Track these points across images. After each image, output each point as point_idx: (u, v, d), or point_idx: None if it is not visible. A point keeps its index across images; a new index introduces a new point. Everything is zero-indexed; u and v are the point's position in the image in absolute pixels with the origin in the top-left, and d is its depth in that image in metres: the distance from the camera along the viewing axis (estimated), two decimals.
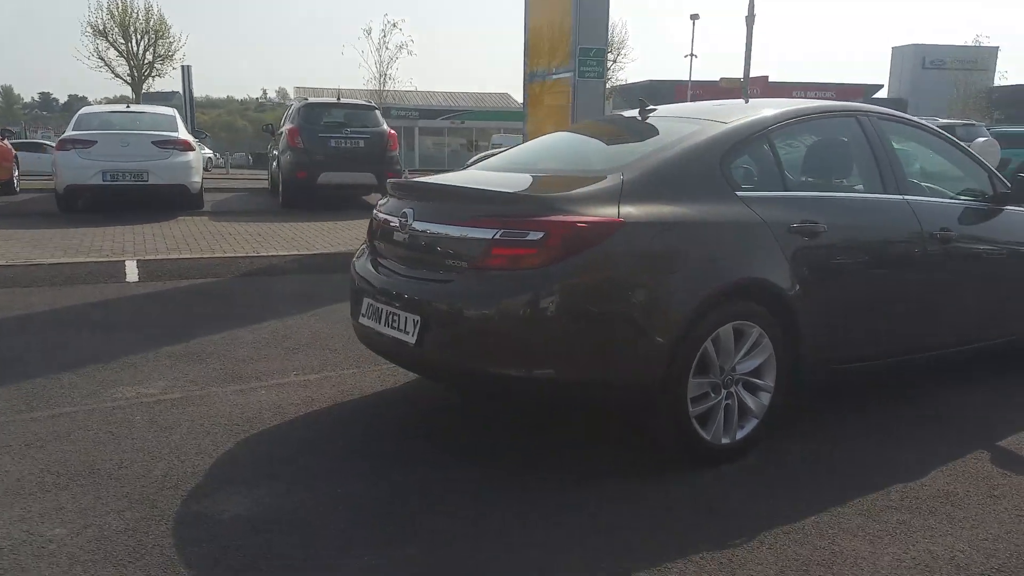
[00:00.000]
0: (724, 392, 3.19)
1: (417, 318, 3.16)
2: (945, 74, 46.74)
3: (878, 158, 3.84)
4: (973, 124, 20.43)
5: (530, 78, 11.42)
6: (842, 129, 3.91)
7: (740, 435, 3.26)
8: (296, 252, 8.24)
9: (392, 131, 11.93)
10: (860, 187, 3.90)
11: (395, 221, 3.43)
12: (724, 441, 3.22)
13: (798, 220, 3.36)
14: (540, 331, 2.95)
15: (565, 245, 2.92)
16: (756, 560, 2.53)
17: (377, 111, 12.42)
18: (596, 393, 3.09)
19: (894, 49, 52.23)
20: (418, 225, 3.30)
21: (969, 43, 49.58)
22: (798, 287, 3.28)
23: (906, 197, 3.84)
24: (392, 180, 3.86)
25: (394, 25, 36.92)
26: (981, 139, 16.74)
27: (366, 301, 3.51)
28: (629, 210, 3.03)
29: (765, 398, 3.31)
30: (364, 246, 3.86)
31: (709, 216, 3.19)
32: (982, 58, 48.37)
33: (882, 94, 48.78)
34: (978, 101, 42.04)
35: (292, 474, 3.10)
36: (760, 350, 3.25)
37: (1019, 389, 4.37)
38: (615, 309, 3.00)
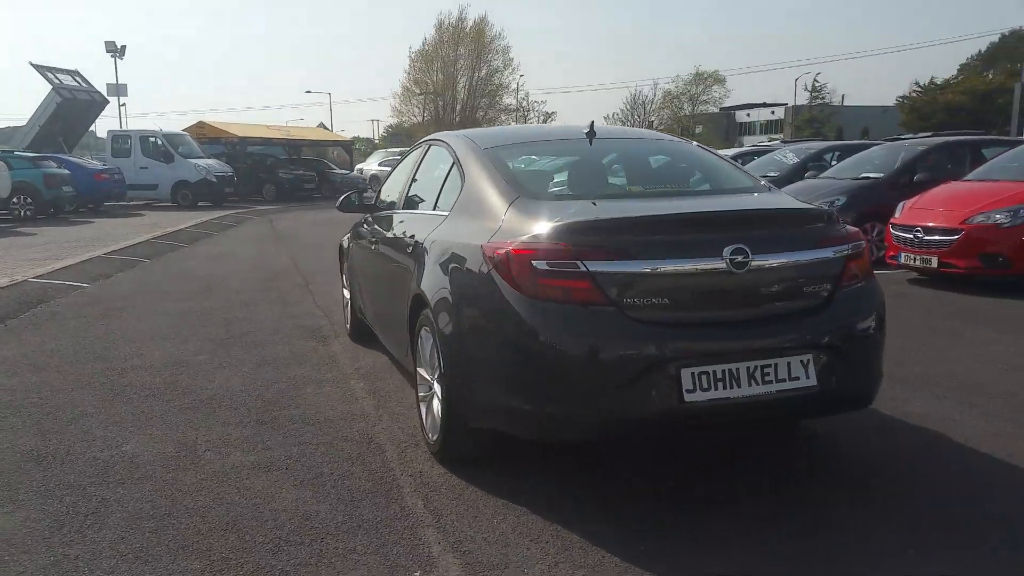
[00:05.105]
0: None
1: (808, 357, 2.97)
2: None
3: None
4: None
5: None
6: None
7: None
8: None
9: None
10: None
11: (715, 264, 2.90)
12: None
13: None
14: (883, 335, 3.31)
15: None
16: None
17: None
18: None
19: None
20: (763, 260, 2.96)
21: None
22: None
23: None
24: (692, 214, 3.20)
25: None
26: None
27: (688, 372, 2.82)
28: None
29: None
30: (584, 310, 2.86)
31: None
32: None
33: None
34: None
35: None
36: None
37: None
38: None
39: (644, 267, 2.86)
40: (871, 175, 10.23)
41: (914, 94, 49.33)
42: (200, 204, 22.12)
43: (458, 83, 64.60)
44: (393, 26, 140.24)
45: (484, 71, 64.45)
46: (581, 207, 3.22)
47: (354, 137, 47.04)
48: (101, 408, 4.37)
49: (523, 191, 3.37)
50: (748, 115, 74.29)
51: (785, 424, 3.75)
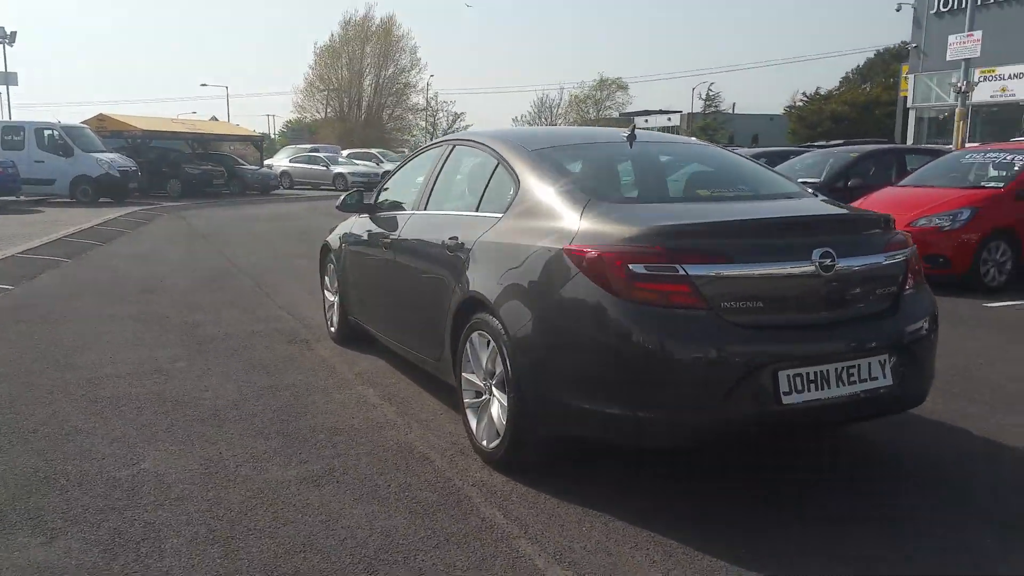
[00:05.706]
0: None
1: (884, 357, 3.06)
2: None
3: None
4: None
5: None
6: None
7: None
8: None
9: None
10: None
11: (805, 266, 2.95)
12: None
13: None
14: None
15: None
16: None
17: None
18: None
19: None
20: (847, 263, 3.04)
21: None
22: None
23: None
24: (783, 218, 3.25)
25: None
26: None
27: (785, 375, 2.86)
28: None
29: None
30: (682, 313, 2.85)
31: None
32: None
33: None
34: None
35: None
36: None
37: None
38: None
39: (741, 270, 2.87)
40: (808, 180, 10.70)
41: (800, 103, 52.16)
42: (101, 200, 20.76)
43: (364, 80, 63.67)
44: (289, 21, 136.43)
45: (391, 70, 63.85)
46: (663, 210, 3.25)
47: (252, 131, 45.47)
48: (92, 422, 4.00)
49: (592, 193, 3.31)
50: (646, 121, 76.22)
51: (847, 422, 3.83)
